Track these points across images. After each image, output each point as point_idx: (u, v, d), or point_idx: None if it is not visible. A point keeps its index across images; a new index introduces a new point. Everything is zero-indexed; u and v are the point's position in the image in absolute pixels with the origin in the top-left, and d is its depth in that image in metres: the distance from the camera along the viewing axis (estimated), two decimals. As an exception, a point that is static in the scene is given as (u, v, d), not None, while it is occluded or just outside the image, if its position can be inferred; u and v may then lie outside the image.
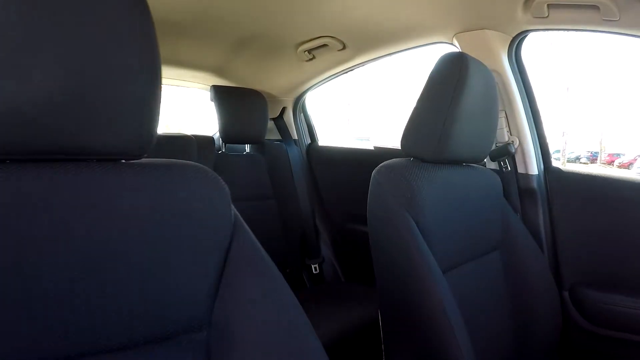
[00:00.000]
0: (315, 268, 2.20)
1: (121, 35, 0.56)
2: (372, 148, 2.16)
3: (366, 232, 1.07)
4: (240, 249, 0.69)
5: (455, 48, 1.48)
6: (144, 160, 0.65)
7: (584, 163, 16.49)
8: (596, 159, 16.55)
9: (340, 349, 1.50)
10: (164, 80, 1.99)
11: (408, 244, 0.95)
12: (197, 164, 0.69)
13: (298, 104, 2.39)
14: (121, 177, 0.60)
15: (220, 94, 2.01)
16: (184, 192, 0.64)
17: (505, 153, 1.43)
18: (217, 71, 2.21)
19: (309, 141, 2.47)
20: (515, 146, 1.44)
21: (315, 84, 2.22)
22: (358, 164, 2.07)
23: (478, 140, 1.14)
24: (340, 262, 2.27)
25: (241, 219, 0.72)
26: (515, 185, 1.46)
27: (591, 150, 17.22)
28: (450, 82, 1.03)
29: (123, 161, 0.63)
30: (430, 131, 1.04)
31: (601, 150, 16.93)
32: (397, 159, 1.08)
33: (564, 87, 15.53)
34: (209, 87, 2.07)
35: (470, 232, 1.13)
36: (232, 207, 0.70)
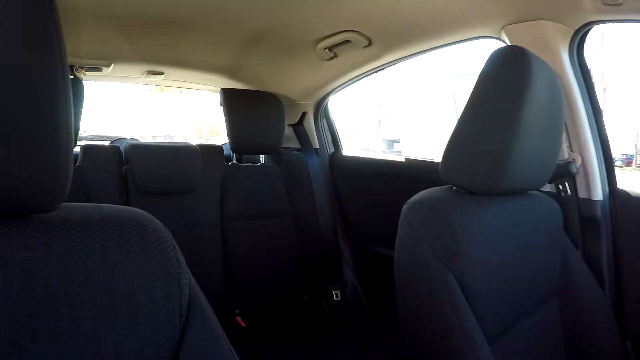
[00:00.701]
0: (336, 294, 1.98)
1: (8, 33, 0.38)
2: (404, 160, 1.96)
3: None
4: (194, 344, 0.49)
5: (503, 44, 1.25)
6: (58, 212, 0.47)
7: (619, 166, 16.00)
8: (631, 162, 16.05)
9: None
10: (169, 82, 1.81)
11: (446, 312, 0.75)
12: (136, 211, 0.51)
13: (320, 109, 2.21)
14: (25, 241, 0.44)
15: (231, 98, 1.84)
16: (108, 261, 0.45)
17: (565, 174, 1.19)
18: (227, 72, 2.05)
19: (332, 150, 2.27)
20: (577, 165, 1.19)
21: (338, 86, 2.03)
22: (387, 177, 1.92)
23: (542, 162, 0.93)
24: (365, 289, 2.06)
25: (200, 295, 0.52)
26: (576, 214, 1.21)
27: (626, 153, 16.70)
28: (510, 87, 0.81)
29: (35, 216, 0.46)
30: (481, 153, 0.83)
31: (637, 152, 16.43)
32: (435, 190, 0.87)
33: (601, 87, 15.04)
34: (219, 90, 1.90)
35: (527, 281, 0.92)
36: (188, 279, 0.50)
